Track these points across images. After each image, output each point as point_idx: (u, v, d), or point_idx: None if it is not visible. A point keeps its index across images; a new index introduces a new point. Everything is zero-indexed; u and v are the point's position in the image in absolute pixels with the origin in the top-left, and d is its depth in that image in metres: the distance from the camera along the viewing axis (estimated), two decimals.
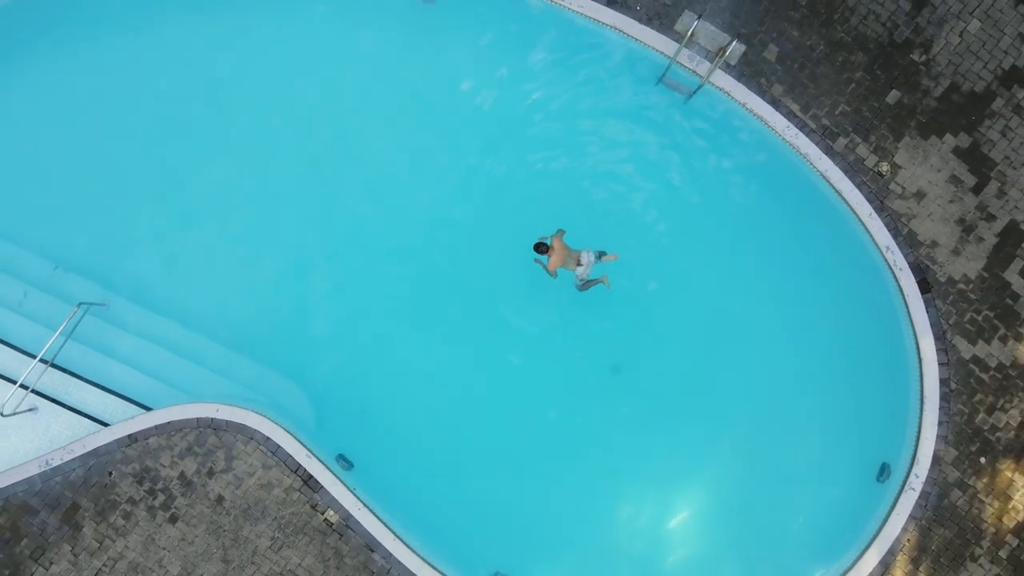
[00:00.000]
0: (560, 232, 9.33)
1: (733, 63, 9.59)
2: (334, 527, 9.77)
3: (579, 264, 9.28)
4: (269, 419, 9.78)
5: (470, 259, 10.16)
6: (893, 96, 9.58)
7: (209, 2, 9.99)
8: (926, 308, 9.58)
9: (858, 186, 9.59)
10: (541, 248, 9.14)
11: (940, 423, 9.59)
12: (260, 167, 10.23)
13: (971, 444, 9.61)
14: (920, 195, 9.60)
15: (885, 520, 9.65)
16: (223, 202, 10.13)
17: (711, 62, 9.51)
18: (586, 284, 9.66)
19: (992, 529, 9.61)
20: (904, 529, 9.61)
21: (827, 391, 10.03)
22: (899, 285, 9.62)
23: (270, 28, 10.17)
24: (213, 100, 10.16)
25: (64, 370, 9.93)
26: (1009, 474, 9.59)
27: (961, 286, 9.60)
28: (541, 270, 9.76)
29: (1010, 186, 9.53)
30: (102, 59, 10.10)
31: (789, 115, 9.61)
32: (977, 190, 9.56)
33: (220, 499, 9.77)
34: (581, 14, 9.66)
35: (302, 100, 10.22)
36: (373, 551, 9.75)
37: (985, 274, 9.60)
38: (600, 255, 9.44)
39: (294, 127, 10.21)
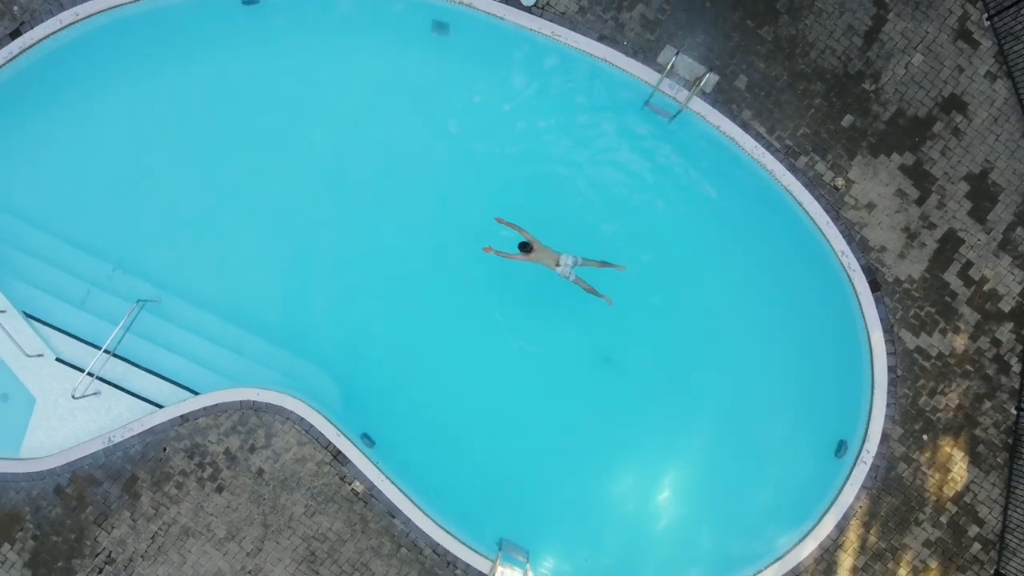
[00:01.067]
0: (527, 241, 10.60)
1: (708, 91, 10.98)
2: (360, 496, 11.17)
3: (557, 265, 10.61)
4: (303, 402, 11.18)
5: (476, 261, 11.51)
6: (847, 120, 10.99)
7: (255, 39, 11.38)
8: (876, 305, 10.98)
9: (817, 198, 10.99)
10: (525, 247, 10.47)
11: (888, 405, 10.99)
12: (292, 183, 11.61)
13: (915, 423, 11.02)
14: (871, 206, 11.01)
15: (841, 490, 11.04)
16: (263, 215, 11.53)
17: (689, 90, 10.89)
18: (578, 281, 10.92)
19: (933, 497, 11.02)
20: (857, 497, 11.02)
21: (792, 378, 11.44)
22: (852, 285, 11.01)
23: (305, 55, 11.53)
24: (253, 123, 11.55)
25: (123, 359, 11.34)
26: (948, 449, 11.00)
27: (906, 285, 11.01)
28: (536, 274, 11.08)
29: (949, 199, 10.94)
30: (154, 88, 11.50)
31: (757, 136, 11.01)
32: (920, 202, 10.96)
33: (260, 472, 11.18)
34: (576, 48, 11.05)
35: (333, 122, 11.59)
36: (394, 517, 11.16)
37: (927, 275, 11.00)
38: (602, 264, 10.75)
39: (325, 146, 11.59)
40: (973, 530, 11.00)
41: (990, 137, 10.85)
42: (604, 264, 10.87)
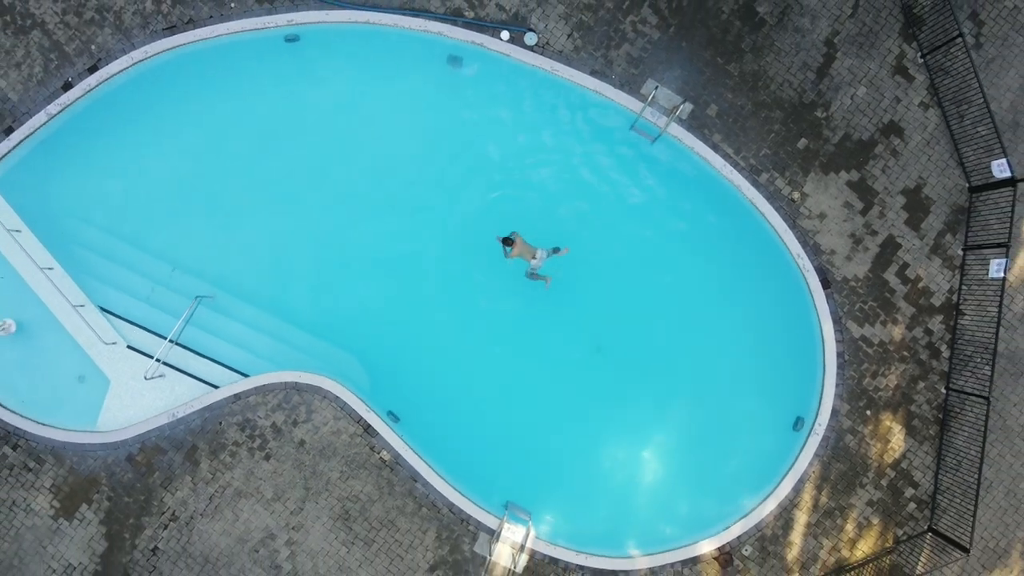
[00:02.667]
0: (515, 233, 12.37)
1: (684, 117, 12.87)
2: (387, 463, 13.08)
3: (534, 257, 12.48)
4: (338, 383, 13.08)
5: (490, 265, 13.39)
6: (802, 143, 12.88)
7: (296, 71, 13.23)
8: (827, 300, 12.88)
9: (776, 209, 12.88)
10: (508, 241, 12.31)
11: (837, 385, 12.89)
12: (328, 197, 13.46)
13: (860, 400, 12.92)
14: (822, 216, 12.90)
15: (797, 458, 12.95)
16: (304, 223, 13.37)
17: (668, 116, 12.76)
18: (533, 276, 12.79)
19: (875, 464, 12.93)
20: (811, 464, 12.92)
21: (755, 363, 13.31)
22: (807, 283, 12.91)
23: (338, 83, 13.36)
24: (293, 142, 13.39)
25: (184, 346, 13.25)
26: (888, 423, 12.90)
27: (852, 283, 12.91)
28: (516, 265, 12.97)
29: (888, 209, 12.83)
30: (209, 113, 13.37)
31: (725, 156, 12.89)
32: (864, 212, 12.85)
33: (302, 442, 13.08)
34: (572, 81, 12.93)
35: (363, 140, 13.41)
36: (416, 481, 13.06)
37: (870, 275, 12.90)
38: (553, 251, 12.57)
39: (357, 161, 13.44)
40: (909, 492, 12.90)
41: (923, 158, 12.75)
42: (556, 251, 12.64)
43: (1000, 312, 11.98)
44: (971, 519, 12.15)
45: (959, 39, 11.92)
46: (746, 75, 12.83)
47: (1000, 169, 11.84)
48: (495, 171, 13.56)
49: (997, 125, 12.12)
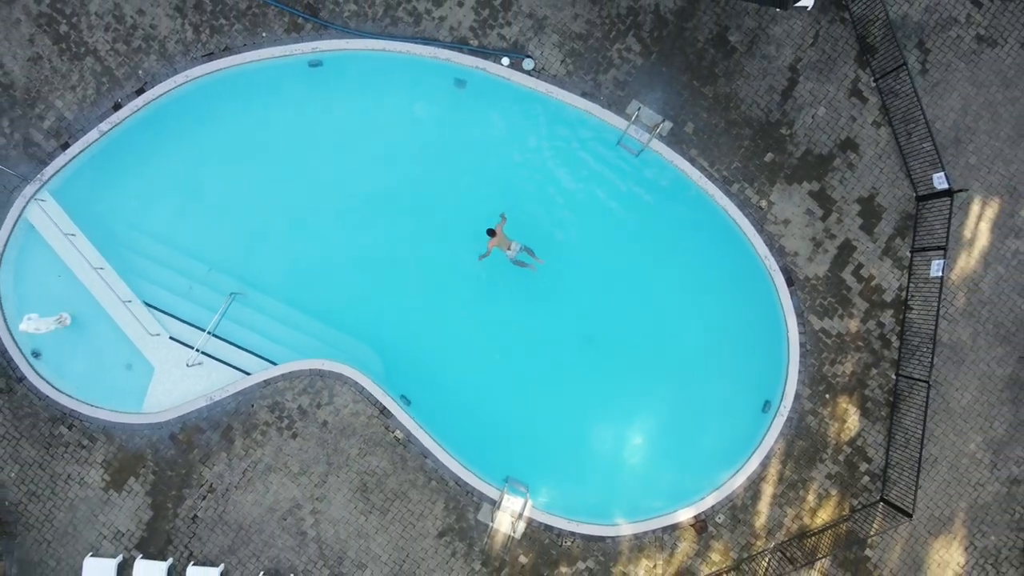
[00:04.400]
0: (503, 220, 13.86)
1: (664, 134, 14.51)
2: (400, 441, 14.72)
3: (509, 248, 14.01)
4: (357, 370, 14.72)
5: (495, 266, 15.01)
6: (769, 157, 14.51)
7: (319, 92, 14.86)
8: (791, 296, 14.52)
9: (746, 216, 14.52)
10: (491, 232, 13.78)
11: (800, 372, 14.53)
12: (348, 203, 15.09)
13: (820, 385, 14.56)
14: (787, 222, 14.54)
15: (764, 436, 14.60)
16: (324, 228, 15.00)
17: (650, 133, 14.40)
18: (517, 263, 14.31)
19: (833, 441, 14.57)
20: (776, 441, 14.56)
21: (728, 353, 14.92)
22: (774, 281, 14.55)
23: (357, 102, 14.97)
24: (316, 155, 15.03)
25: (220, 338, 14.88)
26: (844, 405, 14.55)
27: (813, 281, 14.55)
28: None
29: (845, 216, 14.47)
30: (242, 129, 14.99)
31: (701, 169, 14.52)
32: (824, 218, 14.49)
33: (325, 423, 14.72)
34: (564, 101, 14.56)
35: (378, 152, 15.01)
36: (426, 457, 14.70)
37: (829, 274, 14.54)
38: (527, 250, 14.09)
39: (371, 171, 15.05)
40: (863, 466, 14.55)
41: (875, 170, 14.39)
42: (531, 252, 14.22)
43: (939, 307, 13.62)
44: (915, 491, 13.80)
45: (904, 67, 13.55)
46: (719, 97, 14.46)
47: (939, 181, 13.49)
48: (496, 181, 15.18)
49: (938, 143, 13.77)
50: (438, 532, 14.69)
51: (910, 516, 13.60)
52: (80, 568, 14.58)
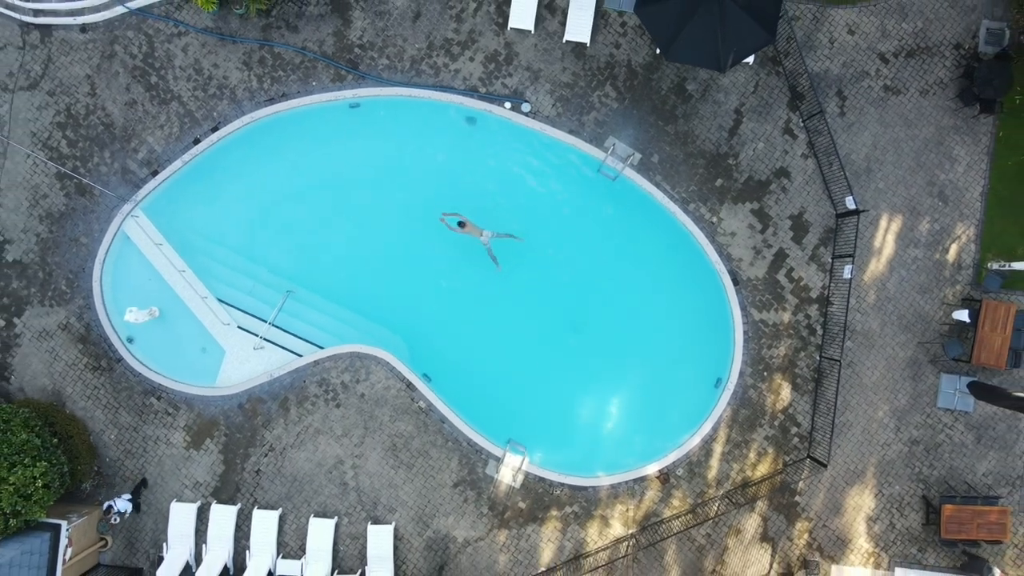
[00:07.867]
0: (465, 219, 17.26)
1: (635, 164, 18.09)
2: (423, 410, 18.33)
3: (482, 235, 17.12)
4: (389, 353, 18.30)
5: (494, 270, 18.57)
6: (719, 182, 18.10)
7: (358, 130, 18.41)
8: (736, 293, 18.11)
9: (701, 229, 18.10)
10: (463, 224, 17.08)
11: (744, 354, 18.13)
12: (381, 219, 18.67)
13: (759, 365, 18.18)
14: (733, 234, 18.14)
15: (715, 405, 18.21)
16: (363, 238, 18.57)
17: (623, 163, 17.97)
18: (491, 254, 17.57)
19: (770, 410, 18.18)
20: (725, 410, 18.17)
21: (686, 340, 18.52)
22: (723, 281, 18.13)
23: (389, 137, 18.55)
24: (354, 182, 18.59)
25: (278, 327, 18.47)
26: (779, 381, 18.16)
27: (754, 282, 18.15)
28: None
29: (779, 229, 18.05)
30: (295, 160, 18.56)
31: (665, 191, 18.10)
32: (762, 232, 18.08)
33: (363, 395, 18.33)
34: (555, 137, 18.14)
35: (406, 178, 18.59)
36: (444, 423, 18.32)
37: (766, 276, 18.14)
38: (498, 235, 17.30)
39: (399, 195, 18.61)
40: (794, 430, 18.18)
41: (804, 193, 17.99)
42: (509, 236, 17.56)
43: (848, 302, 17.23)
44: (829, 447, 17.47)
45: (822, 113, 17.15)
46: (679, 134, 18.05)
47: (850, 203, 17.10)
48: (498, 197, 18.74)
49: (851, 171, 17.39)
50: (453, 483, 18.30)
51: (826, 467, 17.24)
52: (167, 511, 18.19)
